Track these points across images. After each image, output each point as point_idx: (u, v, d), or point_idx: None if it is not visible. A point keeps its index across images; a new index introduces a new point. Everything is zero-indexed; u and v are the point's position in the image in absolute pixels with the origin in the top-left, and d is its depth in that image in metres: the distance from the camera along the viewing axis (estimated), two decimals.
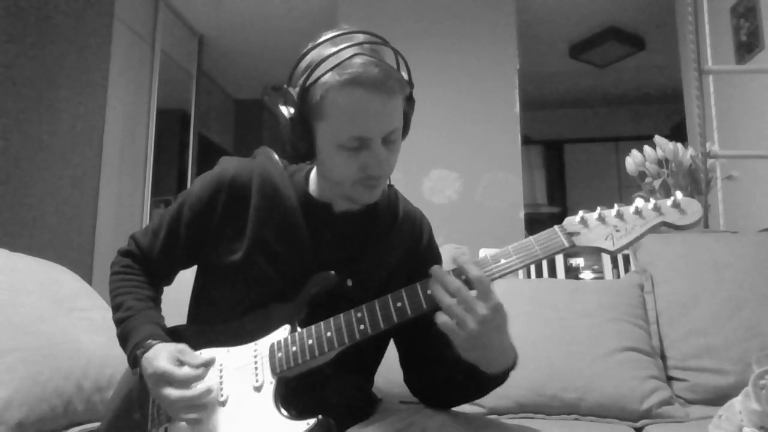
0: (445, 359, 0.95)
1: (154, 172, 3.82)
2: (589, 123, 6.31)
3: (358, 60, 0.88)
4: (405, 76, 0.94)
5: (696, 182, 2.19)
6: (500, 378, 0.94)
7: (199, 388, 0.90)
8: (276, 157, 1.06)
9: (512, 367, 0.95)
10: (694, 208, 0.83)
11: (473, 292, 0.81)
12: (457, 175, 3.57)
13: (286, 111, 0.93)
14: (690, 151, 2.21)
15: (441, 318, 0.82)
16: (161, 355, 0.92)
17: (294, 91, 0.92)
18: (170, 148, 4.25)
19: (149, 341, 0.95)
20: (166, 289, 1.13)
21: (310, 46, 0.93)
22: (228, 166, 1.03)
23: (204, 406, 0.91)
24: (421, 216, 1.12)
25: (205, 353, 0.97)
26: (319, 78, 0.89)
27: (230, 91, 5.69)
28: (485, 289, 0.81)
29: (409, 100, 0.97)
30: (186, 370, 0.91)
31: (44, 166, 3.27)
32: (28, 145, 3.29)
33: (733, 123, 3.02)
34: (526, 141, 4.68)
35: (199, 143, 4.52)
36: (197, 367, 0.92)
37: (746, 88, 2.93)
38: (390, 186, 1.07)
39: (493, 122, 3.61)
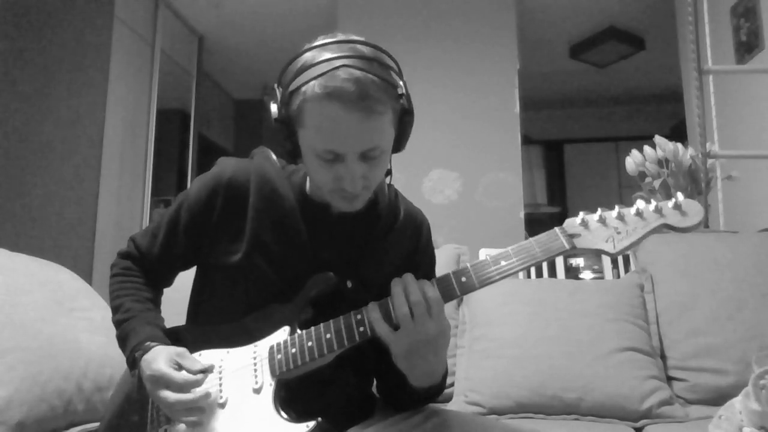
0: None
1: (154, 172, 3.82)
2: (589, 123, 6.31)
3: (341, 74, 0.83)
4: (401, 89, 0.90)
5: (696, 182, 2.19)
6: (425, 393, 0.96)
7: (197, 391, 0.90)
8: (274, 157, 1.06)
9: (437, 385, 0.96)
10: (695, 210, 0.82)
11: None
12: (457, 175, 3.57)
13: (275, 110, 0.92)
14: (690, 151, 2.21)
15: (383, 328, 0.85)
16: (160, 358, 0.92)
17: (280, 93, 0.91)
18: (170, 148, 4.25)
19: (148, 343, 0.95)
20: (166, 289, 1.13)
21: (304, 48, 0.90)
22: (225, 166, 1.03)
23: (203, 409, 0.91)
24: (422, 217, 1.11)
25: (205, 355, 0.97)
26: (300, 86, 0.86)
27: (230, 91, 5.69)
28: (439, 310, 0.84)
29: (407, 115, 0.92)
30: (184, 375, 0.91)
31: (44, 166, 3.27)
32: (28, 145, 3.29)
33: (733, 123, 3.02)
34: (526, 141, 4.69)
35: (199, 143, 4.51)
36: (196, 372, 0.92)
37: (746, 88, 2.93)
38: (390, 186, 1.06)
39: (493, 122, 3.61)
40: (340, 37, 0.89)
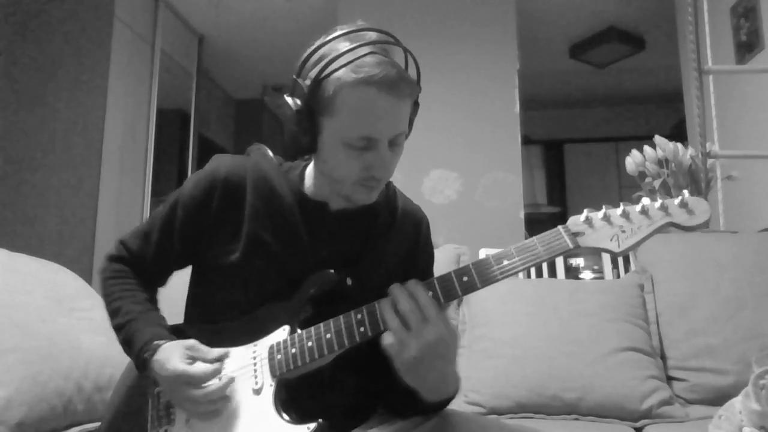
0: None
1: (154, 172, 3.81)
2: (589, 123, 6.31)
3: (372, 59, 0.86)
4: (415, 79, 0.93)
5: (696, 182, 2.19)
6: (437, 406, 0.92)
7: (222, 380, 0.89)
8: (270, 154, 1.05)
9: (452, 397, 0.92)
10: (702, 208, 0.80)
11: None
12: (457, 175, 3.57)
13: (293, 102, 0.91)
14: (690, 151, 2.21)
15: (386, 339, 0.81)
16: (173, 356, 0.90)
17: (304, 84, 0.90)
18: (170, 148, 4.25)
19: (155, 342, 0.93)
20: (163, 289, 1.11)
21: (323, 39, 0.91)
22: (221, 163, 1.01)
23: (228, 398, 0.90)
24: (421, 214, 1.10)
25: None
26: (332, 73, 0.87)
27: (230, 91, 5.69)
28: (432, 315, 0.80)
29: (415, 104, 0.95)
30: (202, 367, 0.89)
31: (44, 166, 3.27)
32: (28, 145, 3.29)
33: (733, 123, 3.02)
34: (526, 141, 4.68)
35: (199, 143, 4.51)
36: (212, 361, 0.91)
37: (746, 88, 2.93)
38: (388, 183, 1.05)
39: (493, 122, 3.61)
40: (359, 25, 0.92)
